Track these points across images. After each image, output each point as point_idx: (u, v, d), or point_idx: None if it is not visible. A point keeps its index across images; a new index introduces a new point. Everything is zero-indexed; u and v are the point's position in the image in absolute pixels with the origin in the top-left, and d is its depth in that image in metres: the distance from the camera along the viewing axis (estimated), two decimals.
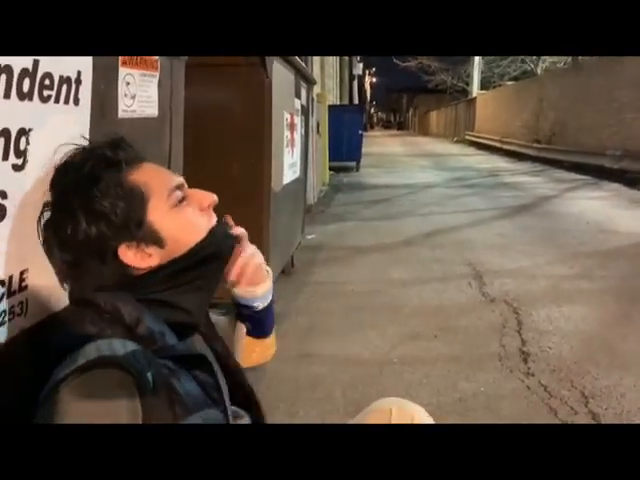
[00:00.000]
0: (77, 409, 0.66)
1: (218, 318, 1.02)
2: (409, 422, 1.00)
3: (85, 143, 0.85)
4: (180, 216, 0.82)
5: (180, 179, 0.85)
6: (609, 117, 10.53)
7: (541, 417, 2.01)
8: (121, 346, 0.72)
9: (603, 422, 1.97)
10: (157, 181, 0.81)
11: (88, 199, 0.76)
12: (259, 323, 1.02)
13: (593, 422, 1.97)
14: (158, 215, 0.80)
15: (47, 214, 0.80)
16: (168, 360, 0.77)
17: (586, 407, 2.07)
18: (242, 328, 1.02)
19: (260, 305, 0.99)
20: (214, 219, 0.87)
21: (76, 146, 0.83)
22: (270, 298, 1.00)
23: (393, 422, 1.00)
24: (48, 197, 0.80)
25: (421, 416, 1.03)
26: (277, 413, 2.04)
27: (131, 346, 0.73)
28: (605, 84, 10.84)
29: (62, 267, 0.80)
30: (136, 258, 0.79)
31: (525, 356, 2.52)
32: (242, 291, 0.97)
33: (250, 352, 1.05)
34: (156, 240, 0.80)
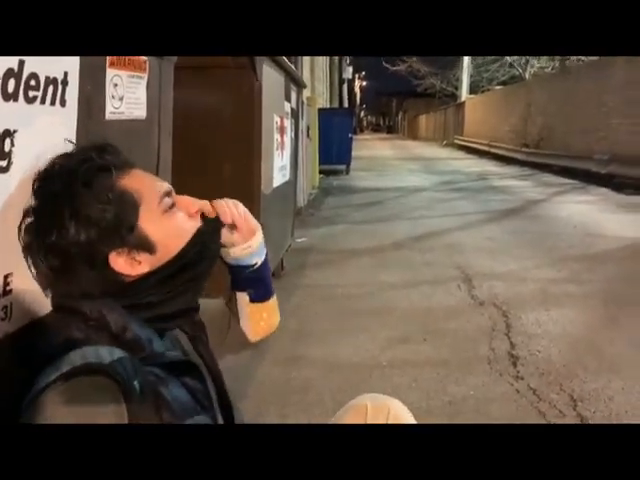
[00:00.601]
0: (62, 415, 0.65)
1: (208, 301, 1.00)
2: (385, 415, 1.01)
3: (71, 147, 0.84)
4: (170, 222, 0.81)
5: (168, 186, 0.84)
6: (597, 122, 10.64)
7: (530, 420, 2.01)
8: (108, 353, 0.71)
9: None
10: (147, 187, 0.80)
11: (78, 204, 0.75)
12: (260, 283, 1.02)
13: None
14: (149, 221, 0.79)
15: (29, 219, 0.77)
16: (156, 367, 0.77)
17: (574, 410, 2.08)
18: (244, 298, 1.01)
19: (258, 261, 0.98)
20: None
21: (62, 151, 0.81)
22: (265, 251, 1.00)
23: (369, 417, 1.01)
24: (31, 202, 0.77)
25: (396, 408, 1.04)
26: (267, 416, 2.03)
27: (118, 353, 0.72)
28: (593, 89, 10.96)
29: (48, 273, 0.78)
30: (127, 265, 0.78)
31: (514, 359, 2.53)
32: (239, 251, 0.96)
33: (258, 320, 1.04)
34: (147, 246, 0.79)
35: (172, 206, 0.82)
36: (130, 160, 0.85)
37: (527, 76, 20.07)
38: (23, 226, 0.77)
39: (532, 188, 9.21)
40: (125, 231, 0.77)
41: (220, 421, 0.86)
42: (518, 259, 4.33)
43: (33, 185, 0.78)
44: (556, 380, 2.33)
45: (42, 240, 0.76)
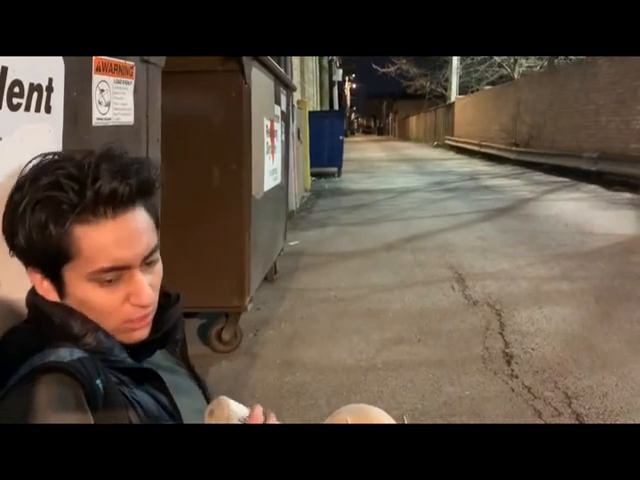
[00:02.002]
0: (23, 418, 0.65)
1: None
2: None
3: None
4: (96, 293, 0.74)
5: (128, 258, 0.74)
6: (585, 120, 10.73)
7: (526, 419, 2.02)
8: (68, 353, 0.71)
9: (587, 422, 1.98)
10: (95, 252, 0.72)
11: (16, 213, 0.71)
12: None
13: (577, 422, 1.98)
14: (74, 277, 0.74)
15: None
16: (118, 372, 0.76)
17: (569, 407, 2.09)
18: None
19: None
20: (136, 317, 0.78)
21: (53, 159, 0.75)
22: None
23: None
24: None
25: (379, 418, 0.98)
26: None
27: (78, 353, 0.71)
28: (581, 87, 11.05)
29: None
30: (40, 284, 0.76)
31: (508, 358, 2.54)
32: None
33: None
34: (59, 289, 0.76)
35: (109, 281, 0.74)
36: (124, 199, 0.73)
37: (516, 76, 20.19)
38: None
39: (523, 187, 9.26)
40: (42, 262, 0.74)
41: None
42: (510, 258, 4.34)
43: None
44: (550, 378, 2.33)
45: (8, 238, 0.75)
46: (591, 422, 1.99)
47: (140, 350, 0.81)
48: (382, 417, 1.04)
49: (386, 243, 5.03)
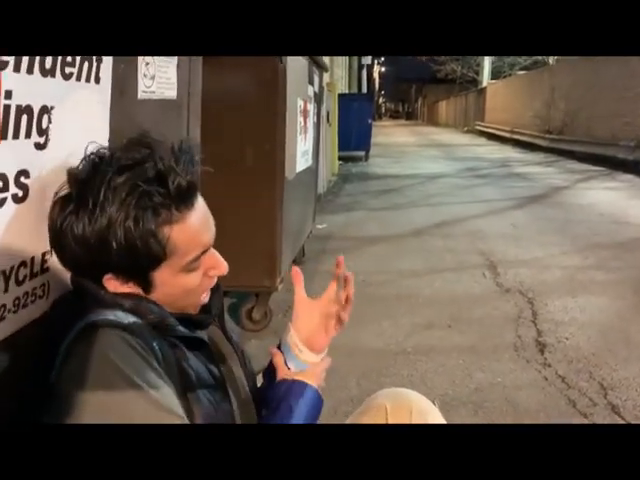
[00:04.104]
0: (88, 365, 0.67)
1: None
2: (407, 416, 0.95)
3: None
4: (183, 281, 0.77)
5: (210, 240, 0.78)
6: (622, 107, 10.38)
7: (559, 408, 1.98)
8: (124, 316, 0.73)
9: (622, 413, 1.94)
10: (186, 245, 0.75)
11: (110, 223, 0.70)
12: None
13: (613, 413, 1.94)
14: (165, 275, 0.76)
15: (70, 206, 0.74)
16: (172, 338, 0.78)
17: (605, 398, 2.04)
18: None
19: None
20: (210, 284, 0.83)
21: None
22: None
23: (390, 420, 0.95)
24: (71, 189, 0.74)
25: (420, 407, 0.98)
26: None
27: (133, 318, 0.74)
28: (619, 73, 10.67)
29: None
30: (116, 287, 0.77)
31: (541, 347, 2.50)
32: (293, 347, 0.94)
33: None
34: (145, 287, 0.77)
35: (195, 268, 0.78)
36: (195, 187, 0.76)
37: (551, 61, 19.64)
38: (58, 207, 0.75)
39: (556, 175, 9.05)
40: (135, 269, 0.75)
41: (233, 402, 0.84)
42: (543, 246, 4.26)
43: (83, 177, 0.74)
44: (585, 368, 2.29)
45: (69, 228, 0.73)
46: (627, 413, 1.94)
47: (190, 324, 0.82)
48: (420, 401, 1.02)
49: (414, 228, 4.98)
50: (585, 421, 1.90)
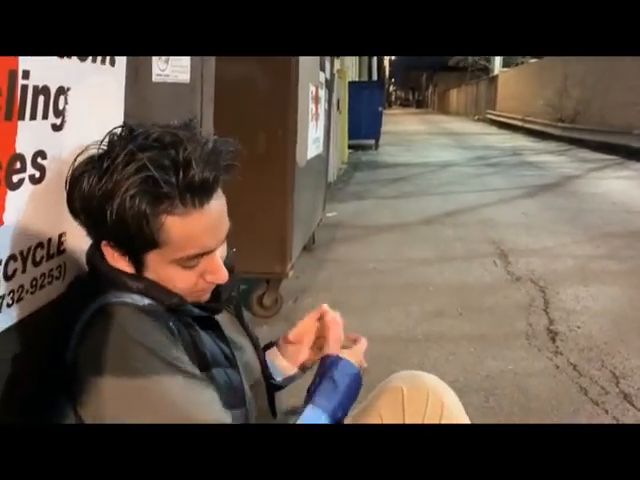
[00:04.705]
0: (106, 343, 0.69)
1: None
2: (424, 398, 0.95)
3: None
4: (176, 273, 0.76)
5: (213, 245, 0.76)
6: (637, 95, 10.22)
7: (571, 396, 1.98)
8: (139, 298, 0.75)
9: (635, 402, 1.93)
10: (184, 241, 0.73)
11: (111, 190, 0.69)
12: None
13: (624, 401, 1.93)
14: (157, 260, 0.75)
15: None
16: (185, 317, 0.79)
17: (617, 387, 2.03)
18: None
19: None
20: (207, 288, 0.81)
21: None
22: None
23: (406, 401, 0.95)
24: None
25: (436, 389, 0.98)
26: (303, 389, 2.04)
27: (148, 300, 0.76)
28: (633, 60, 10.49)
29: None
30: (112, 257, 0.77)
31: (553, 335, 2.48)
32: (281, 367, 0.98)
33: None
34: (138, 266, 0.77)
35: (191, 267, 0.76)
36: (216, 188, 0.74)
37: None
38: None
39: (568, 164, 8.95)
40: (128, 246, 0.74)
41: (245, 382, 0.85)
42: (555, 235, 4.23)
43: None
44: (597, 356, 2.28)
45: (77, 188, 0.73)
46: (639, 402, 1.94)
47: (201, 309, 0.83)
48: (436, 383, 1.02)
49: (425, 217, 4.95)
50: (597, 409, 1.90)
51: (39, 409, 0.80)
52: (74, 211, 0.75)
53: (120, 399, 0.68)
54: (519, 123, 17.09)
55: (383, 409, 0.95)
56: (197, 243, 0.73)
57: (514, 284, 3.16)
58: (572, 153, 10.67)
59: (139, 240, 0.72)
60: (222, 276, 0.78)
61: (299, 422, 0.78)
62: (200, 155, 0.70)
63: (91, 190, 0.70)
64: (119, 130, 0.73)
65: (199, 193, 0.71)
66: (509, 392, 2.01)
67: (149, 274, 0.77)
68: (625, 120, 10.36)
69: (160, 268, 0.76)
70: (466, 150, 11.13)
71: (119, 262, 0.76)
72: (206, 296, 0.82)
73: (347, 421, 0.97)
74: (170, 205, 0.70)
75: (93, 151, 0.73)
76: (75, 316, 0.75)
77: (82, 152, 0.74)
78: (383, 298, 2.99)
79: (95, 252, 0.79)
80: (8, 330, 0.74)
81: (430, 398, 0.95)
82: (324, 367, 0.85)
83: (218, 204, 0.75)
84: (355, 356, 0.88)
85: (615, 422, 1.81)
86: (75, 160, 0.74)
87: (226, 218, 0.78)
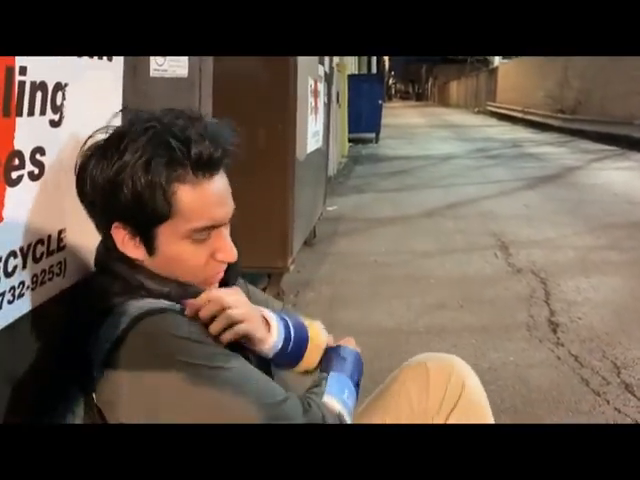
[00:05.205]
0: (151, 347, 0.71)
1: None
2: (447, 377, 0.95)
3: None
4: (186, 250, 0.77)
5: (221, 217, 0.78)
6: (638, 85, 10.17)
7: (572, 387, 1.98)
8: (169, 304, 0.76)
9: (636, 392, 1.94)
10: (195, 211, 0.75)
11: (123, 166, 0.72)
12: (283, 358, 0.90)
13: (626, 392, 1.94)
14: (167, 235, 0.76)
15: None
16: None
17: (618, 377, 2.04)
18: None
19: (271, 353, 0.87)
20: (218, 271, 0.82)
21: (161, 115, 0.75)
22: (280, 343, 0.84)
23: (431, 378, 0.96)
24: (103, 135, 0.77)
25: (459, 366, 0.98)
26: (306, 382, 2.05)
27: (166, 304, 0.77)
28: None
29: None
30: (123, 242, 0.77)
31: (554, 326, 2.49)
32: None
33: None
34: (149, 245, 0.77)
35: (202, 240, 0.77)
36: (222, 165, 0.77)
37: None
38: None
39: (569, 155, 8.93)
40: (140, 220, 0.75)
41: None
42: (556, 226, 4.22)
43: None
44: (598, 347, 2.28)
45: (88, 172, 0.75)
46: None
47: None
48: (461, 365, 1.02)
49: (426, 210, 4.95)
50: (598, 400, 1.90)
51: (42, 406, 0.81)
52: (85, 195, 0.77)
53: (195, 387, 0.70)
54: (519, 115, 17.04)
55: (409, 382, 0.97)
56: (207, 214, 0.76)
57: (515, 276, 3.16)
58: (573, 144, 10.64)
59: (152, 211, 0.74)
60: (232, 254, 0.80)
61: (326, 386, 0.79)
62: (207, 132, 0.74)
63: (102, 175, 0.73)
64: (120, 117, 0.78)
65: (207, 166, 0.75)
66: (511, 383, 2.01)
67: (160, 258, 0.77)
68: (626, 110, 10.32)
69: (171, 245, 0.76)
70: (466, 142, 11.10)
71: (129, 246, 0.77)
72: (218, 278, 0.83)
73: (372, 396, 1.01)
74: (183, 173, 0.73)
75: (101, 136, 0.76)
76: (89, 317, 0.77)
77: (91, 136, 0.77)
78: (384, 291, 3.00)
79: (106, 252, 0.80)
80: (9, 327, 0.74)
81: (453, 377, 0.96)
82: (328, 354, 0.87)
83: (224, 180, 0.79)
84: (350, 343, 0.91)
85: (617, 412, 1.82)
86: (85, 143, 0.76)
87: (231, 197, 0.80)
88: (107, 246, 0.80)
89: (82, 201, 0.78)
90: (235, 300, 0.77)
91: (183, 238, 0.76)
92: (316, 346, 0.87)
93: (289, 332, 0.83)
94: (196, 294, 0.78)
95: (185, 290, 0.79)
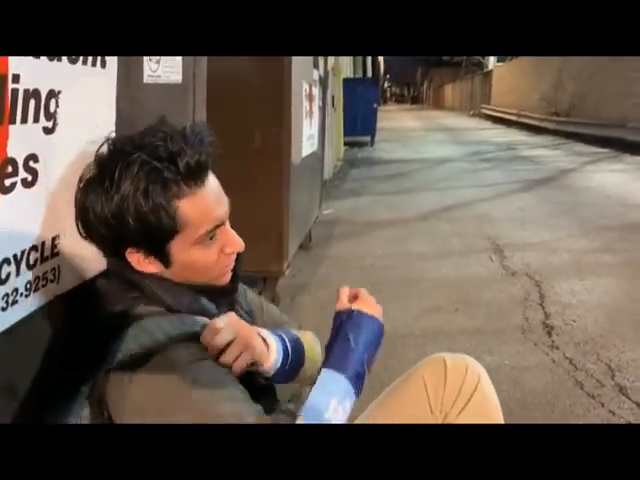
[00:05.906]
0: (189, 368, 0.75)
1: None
2: (463, 370, 0.98)
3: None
4: (199, 254, 0.83)
5: (222, 217, 0.83)
6: (633, 88, 10.23)
7: (567, 390, 1.99)
8: (181, 324, 0.80)
9: (630, 395, 1.95)
10: (199, 217, 0.80)
11: (123, 198, 0.76)
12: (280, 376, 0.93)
13: (620, 394, 1.95)
14: (179, 247, 0.81)
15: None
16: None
17: (613, 380, 2.05)
18: None
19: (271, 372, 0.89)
20: (229, 263, 0.88)
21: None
22: (280, 361, 0.88)
23: (449, 370, 0.98)
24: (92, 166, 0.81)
25: (474, 368, 1.01)
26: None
27: (187, 323, 0.81)
28: None
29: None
30: (139, 262, 0.82)
31: (549, 329, 2.50)
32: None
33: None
34: (164, 260, 0.82)
35: (211, 238, 0.83)
36: (209, 165, 0.81)
37: None
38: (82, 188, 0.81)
39: (563, 157, 8.97)
40: (151, 242, 0.80)
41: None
42: (550, 229, 4.24)
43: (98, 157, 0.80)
44: (593, 350, 2.29)
45: (90, 205, 0.79)
46: (635, 394, 1.95)
47: (221, 299, 0.90)
48: (475, 363, 1.03)
49: (422, 213, 4.96)
50: (593, 402, 1.91)
51: (40, 410, 0.81)
52: (92, 233, 0.81)
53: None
54: (514, 118, 17.10)
55: (426, 375, 0.98)
56: (210, 217, 0.81)
57: (510, 279, 3.17)
58: (567, 147, 10.69)
59: (161, 232, 0.78)
60: (239, 244, 0.86)
61: (316, 385, 0.77)
62: (186, 141, 0.78)
63: (104, 210, 0.77)
64: (104, 148, 0.80)
65: (198, 173, 0.79)
66: (505, 387, 2.01)
67: (177, 267, 0.83)
68: (620, 113, 10.38)
69: (185, 254, 0.82)
70: (462, 145, 11.14)
71: (144, 265, 0.82)
72: (228, 275, 0.89)
73: (387, 390, 1.02)
74: (178, 189, 0.77)
75: (88, 176, 0.79)
76: (99, 321, 0.82)
77: (80, 180, 0.80)
78: (380, 294, 2.92)
79: (120, 263, 0.83)
80: (3, 334, 0.74)
81: (469, 371, 0.98)
82: (336, 324, 0.85)
83: (213, 178, 0.83)
84: (367, 305, 0.87)
85: (611, 415, 1.83)
86: (77, 187, 0.80)
87: (223, 191, 0.85)
88: (120, 265, 0.83)
89: (91, 237, 0.82)
90: (235, 332, 0.80)
91: (194, 244, 0.81)
92: (311, 360, 0.93)
93: (287, 349, 0.89)
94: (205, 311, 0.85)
95: (198, 302, 0.85)
